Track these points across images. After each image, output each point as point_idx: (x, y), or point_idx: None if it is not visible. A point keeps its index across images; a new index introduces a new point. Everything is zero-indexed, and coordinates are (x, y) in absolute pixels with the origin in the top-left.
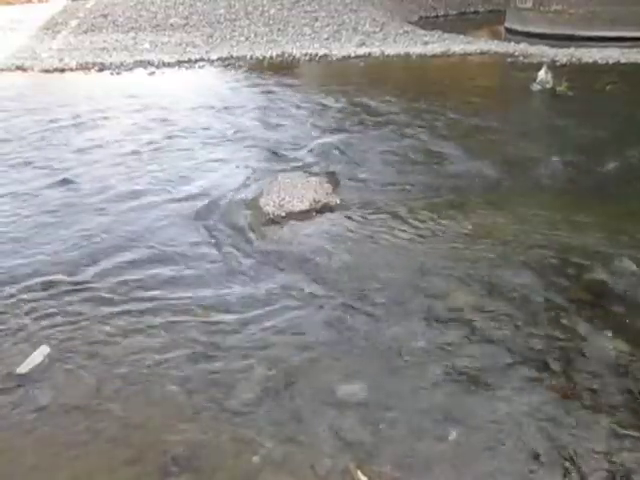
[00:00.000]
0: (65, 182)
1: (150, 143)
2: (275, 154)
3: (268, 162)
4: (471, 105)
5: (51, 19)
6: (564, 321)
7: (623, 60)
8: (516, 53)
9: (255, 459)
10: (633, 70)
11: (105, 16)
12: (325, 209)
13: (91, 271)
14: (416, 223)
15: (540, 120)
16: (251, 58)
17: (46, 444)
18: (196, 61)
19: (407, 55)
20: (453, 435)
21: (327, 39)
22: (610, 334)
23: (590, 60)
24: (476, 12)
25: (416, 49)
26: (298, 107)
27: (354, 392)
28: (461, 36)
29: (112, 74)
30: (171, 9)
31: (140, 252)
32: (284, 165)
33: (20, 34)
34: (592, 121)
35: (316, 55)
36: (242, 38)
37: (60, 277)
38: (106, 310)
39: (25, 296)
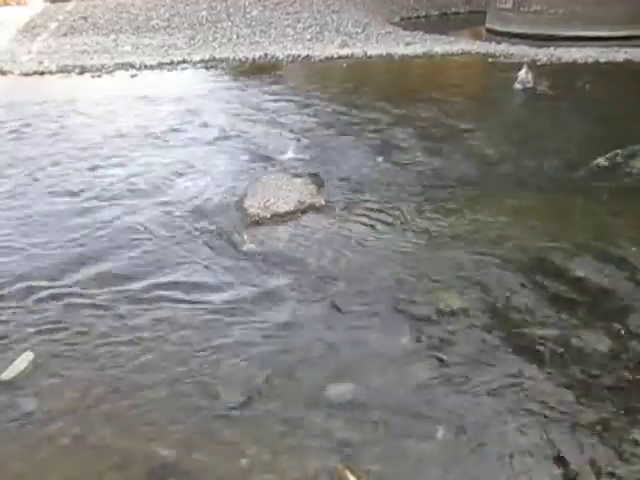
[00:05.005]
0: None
1: (129, 145)
2: (258, 155)
3: (252, 163)
4: (453, 105)
5: (30, 22)
6: (549, 318)
7: (602, 59)
8: (497, 53)
9: (244, 461)
10: (612, 69)
11: (85, 18)
12: (310, 210)
13: (75, 277)
14: (400, 223)
15: (521, 119)
16: (234, 60)
17: (32, 451)
18: (178, 63)
19: (389, 56)
20: (440, 433)
21: (310, 40)
22: (595, 330)
23: (570, 59)
24: (457, 13)
25: (398, 50)
26: (281, 108)
27: (342, 392)
28: (443, 37)
29: (93, 77)
30: (152, 11)
31: (124, 256)
32: (268, 166)
33: None
34: (572, 120)
35: (299, 56)
36: (224, 40)
37: (44, 282)
38: (91, 315)
39: (9, 301)
